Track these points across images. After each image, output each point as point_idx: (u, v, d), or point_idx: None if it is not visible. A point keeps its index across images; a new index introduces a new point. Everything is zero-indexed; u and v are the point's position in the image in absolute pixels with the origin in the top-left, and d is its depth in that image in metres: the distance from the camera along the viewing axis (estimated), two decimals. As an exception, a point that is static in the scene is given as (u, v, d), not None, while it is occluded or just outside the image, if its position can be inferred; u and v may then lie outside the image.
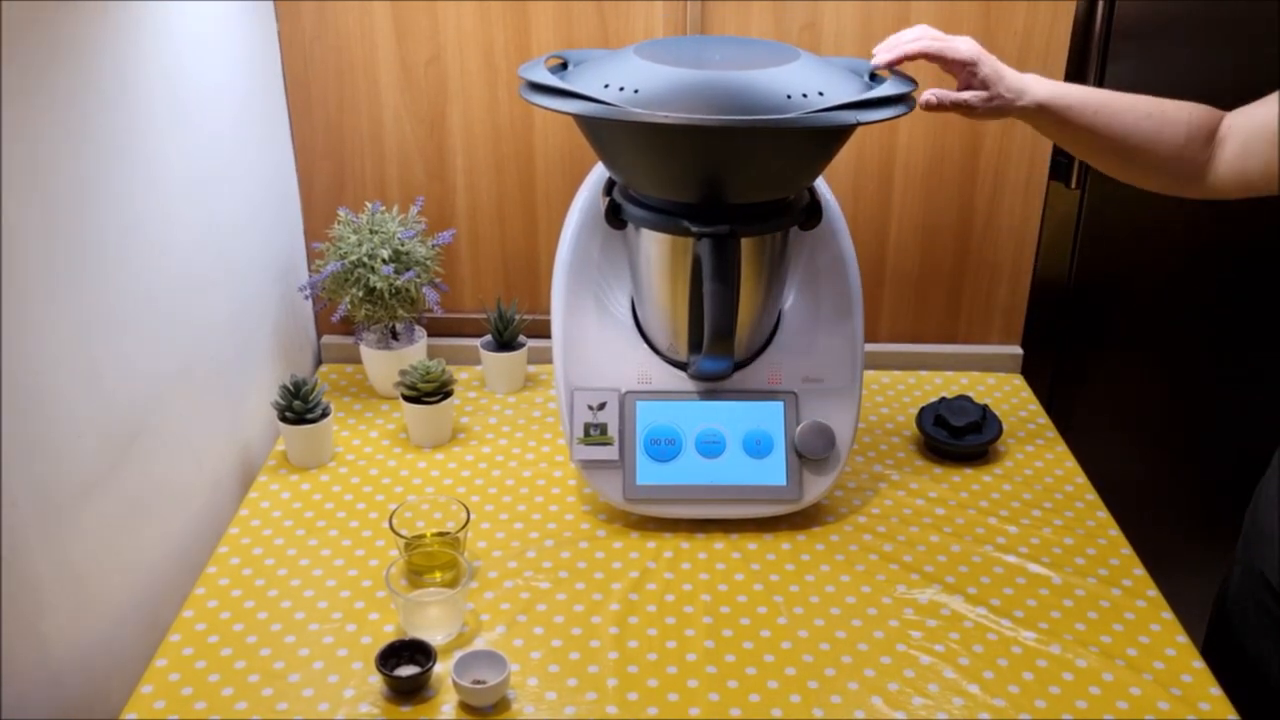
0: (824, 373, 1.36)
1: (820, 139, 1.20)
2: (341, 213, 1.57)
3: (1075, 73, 1.62)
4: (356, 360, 1.67)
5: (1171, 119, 1.20)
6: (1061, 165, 1.68)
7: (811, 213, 1.30)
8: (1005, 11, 1.53)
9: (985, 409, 1.51)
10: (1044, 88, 1.21)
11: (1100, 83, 1.65)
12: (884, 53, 1.21)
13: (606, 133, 1.21)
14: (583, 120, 1.20)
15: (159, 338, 1.22)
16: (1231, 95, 1.20)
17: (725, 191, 1.20)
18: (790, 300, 1.39)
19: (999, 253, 1.68)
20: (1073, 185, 1.71)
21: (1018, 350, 1.74)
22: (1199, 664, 1.13)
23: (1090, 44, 1.63)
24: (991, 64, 1.20)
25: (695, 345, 1.30)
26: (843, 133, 1.21)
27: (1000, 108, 1.21)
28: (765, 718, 1.07)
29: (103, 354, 1.10)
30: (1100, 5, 1.60)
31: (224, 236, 1.40)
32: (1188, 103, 1.21)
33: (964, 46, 1.20)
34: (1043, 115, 1.22)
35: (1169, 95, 1.22)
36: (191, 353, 1.31)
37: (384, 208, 1.58)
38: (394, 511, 1.26)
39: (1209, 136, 1.20)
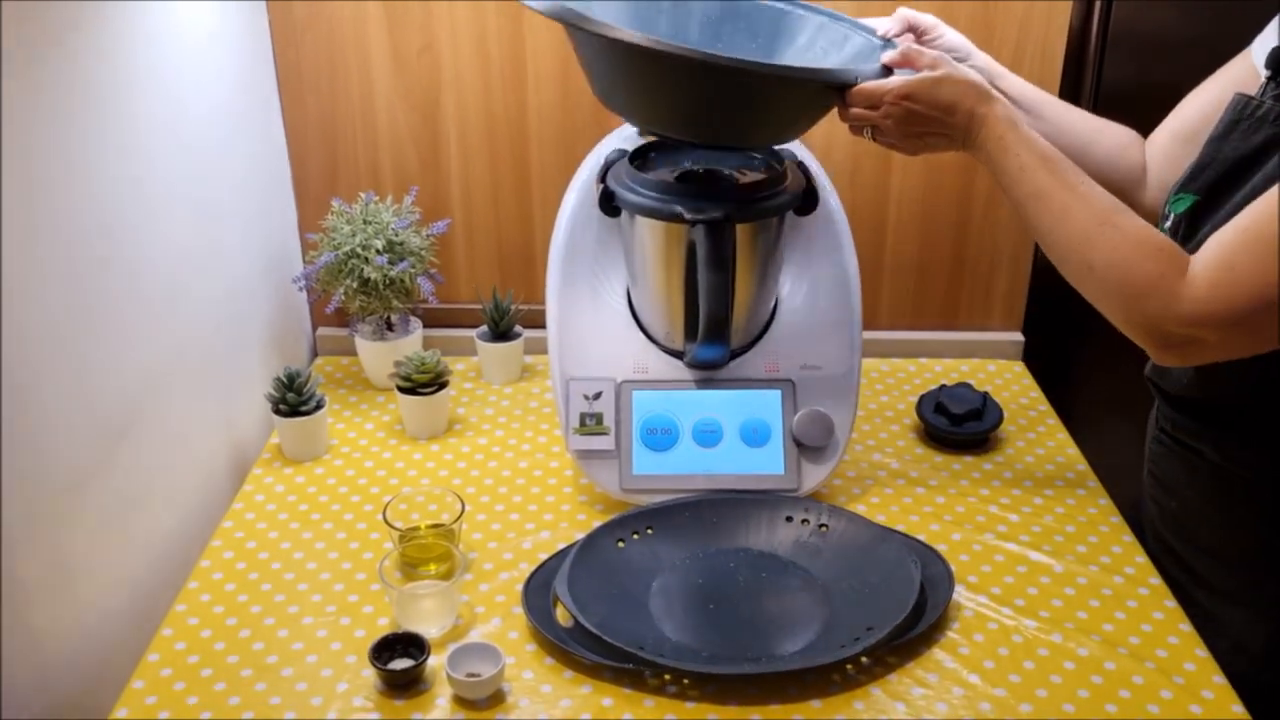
0: (822, 360, 1.34)
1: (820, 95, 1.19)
2: (335, 203, 1.55)
3: (1073, 71, 1.61)
4: (352, 352, 1.65)
5: (1110, 127, 1.28)
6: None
7: (808, 198, 1.29)
8: (1001, 10, 1.53)
9: (985, 396, 1.49)
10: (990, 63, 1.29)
11: (1098, 83, 1.64)
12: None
13: (605, 55, 1.19)
14: (576, 34, 1.17)
15: (150, 330, 1.21)
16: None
17: (712, 130, 1.21)
18: (787, 287, 1.37)
19: (999, 238, 1.67)
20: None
21: (1019, 337, 1.73)
22: (1202, 652, 1.12)
23: (1087, 41, 1.61)
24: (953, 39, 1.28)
25: (691, 333, 1.29)
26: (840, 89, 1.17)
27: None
28: (762, 709, 1.06)
29: (92, 346, 1.09)
30: (1098, 4, 1.58)
31: (216, 227, 1.39)
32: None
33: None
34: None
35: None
36: (184, 345, 1.29)
37: (377, 198, 1.57)
38: (388, 503, 1.25)
39: (1140, 165, 1.28)
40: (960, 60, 1.22)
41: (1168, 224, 1.11)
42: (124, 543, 1.16)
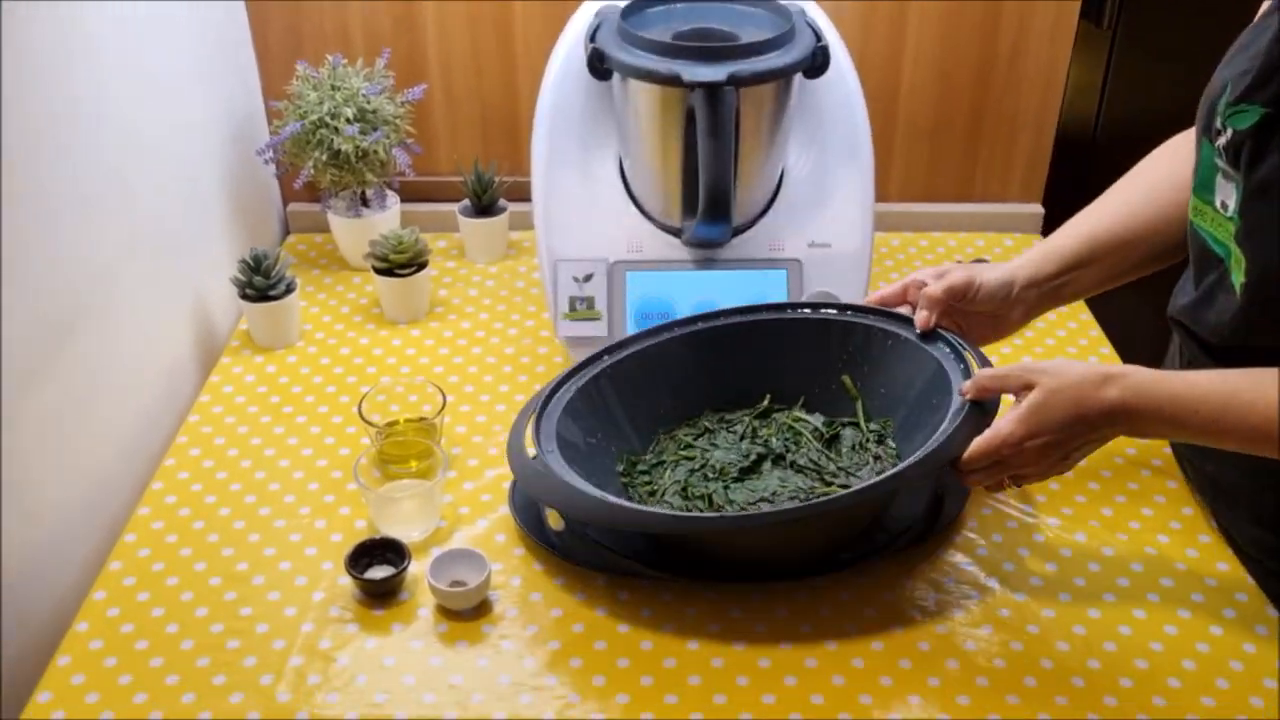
0: (831, 237, 1.26)
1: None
2: (300, 67, 1.43)
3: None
4: (326, 229, 1.55)
5: (1160, 191, 1.09)
6: (1092, 1, 1.54)
7: (818, 59, 1.17)
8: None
9: (1004, 274, 1.40)
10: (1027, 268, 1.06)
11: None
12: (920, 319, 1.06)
13: None
14: None
15: (100, 212, 1.10)
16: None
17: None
18: (794, 157, 1.27)
19: (1022, 99, 1.55)
20: (1104, 25, 1.57)
21: (1039, 209, 1.62)
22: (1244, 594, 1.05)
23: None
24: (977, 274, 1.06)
25: (690, 209, 1.20)
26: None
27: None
28: (768, 619, 0.99)
29: (32, 231, 0.99)
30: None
31: (170, 96, 1.27)
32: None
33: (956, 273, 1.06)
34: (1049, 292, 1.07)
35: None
36: (139, 227, 1.19)
37: (346, 61, 1.44)
38: (364, 396, 1.16)
39: None
40: (1012, 287, 1.04)
41: (1222, 140, 0.91)
42: (79, 443, 1.08)
